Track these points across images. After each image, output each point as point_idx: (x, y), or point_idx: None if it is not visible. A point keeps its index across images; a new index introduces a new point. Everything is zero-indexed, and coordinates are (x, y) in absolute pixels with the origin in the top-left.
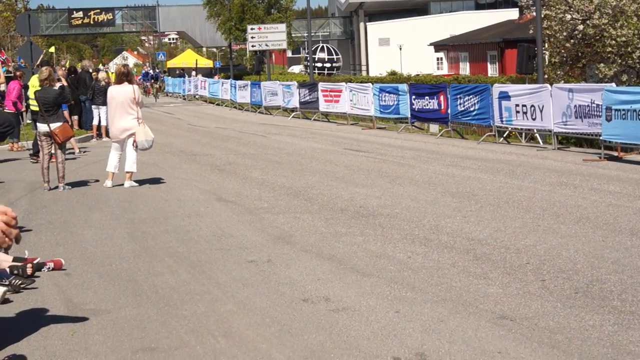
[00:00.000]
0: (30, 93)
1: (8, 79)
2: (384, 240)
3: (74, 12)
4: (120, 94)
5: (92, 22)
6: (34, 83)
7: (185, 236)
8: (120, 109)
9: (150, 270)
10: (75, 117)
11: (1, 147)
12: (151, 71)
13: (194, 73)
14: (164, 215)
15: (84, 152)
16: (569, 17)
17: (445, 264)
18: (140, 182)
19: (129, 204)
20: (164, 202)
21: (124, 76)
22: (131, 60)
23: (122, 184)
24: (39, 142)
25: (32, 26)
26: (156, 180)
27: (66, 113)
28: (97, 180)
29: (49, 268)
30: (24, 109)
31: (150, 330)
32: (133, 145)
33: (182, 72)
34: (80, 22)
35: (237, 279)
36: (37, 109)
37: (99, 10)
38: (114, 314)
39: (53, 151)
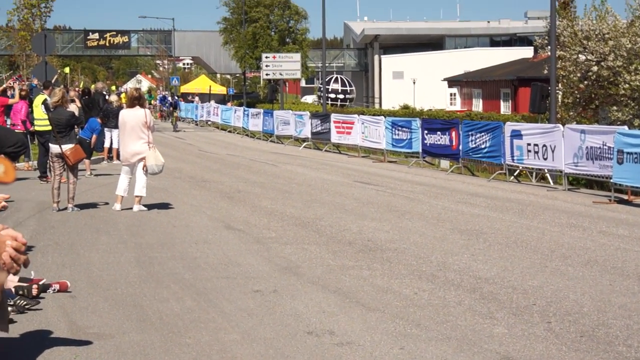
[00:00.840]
0: (36, 113)
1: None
2: (391, 275)
3: (90, 33)
4: (132, 117)
5: (107, 44)
6: (37, 103)
7: (192, 263)
8: (132, 132)
9: (156, 296)
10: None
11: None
12: (170, 98)
13: (204, 102)
14: (171, 241)
15: (95, 174)
16: (583, 58)
17: (451, 301)
18: (149, 207)
19: (137, 228)
20: (172, 228)
21: (135, 100)
22: (145, 83)
23: (131, 208)
24: (50, 163)
25: (47, 46)
26: (165, 206)
27: (94, 138)
28: (107, 203)
29: (55, 290)
30: (32, 128)
31: (153, 357)
32: (143, 169)
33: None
34: (95, 43)
35: (242, 308)
36: (41, 129)
37: (114, 33)
38: (118, 339)
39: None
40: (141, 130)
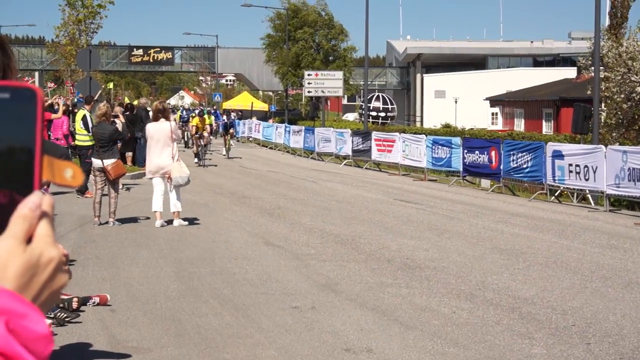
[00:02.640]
0: (77, 128)
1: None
2: (430, 294)
3: (134, 49)
4: (157, 131)
5: (151, 60)
6: (78, 118)
7: (230, 278)
8: (157, 145)
9: (195, 310)
10: (129, 154)
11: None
12: (224, 117)
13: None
14: (211, 256)
15: (127, 188)
16: (628, 79)
17: (489, 321)
18: (190, 222)
19: (177, 243)
20: (212, 243)
21: (160, 113)
22: (187, 99)
23: (172, 223)
24: (92, 177)
25: (92, 62)
26: (205, 221)
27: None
28: (148, 218)
29: (94, 303)
30: (73, 142)
31: None
32: (169, 182)
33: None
34: (139, 59)
35: (280, 324)
36: (80, 144)
37: (159, 49)
38: (156, 353)
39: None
40: (166, 143)
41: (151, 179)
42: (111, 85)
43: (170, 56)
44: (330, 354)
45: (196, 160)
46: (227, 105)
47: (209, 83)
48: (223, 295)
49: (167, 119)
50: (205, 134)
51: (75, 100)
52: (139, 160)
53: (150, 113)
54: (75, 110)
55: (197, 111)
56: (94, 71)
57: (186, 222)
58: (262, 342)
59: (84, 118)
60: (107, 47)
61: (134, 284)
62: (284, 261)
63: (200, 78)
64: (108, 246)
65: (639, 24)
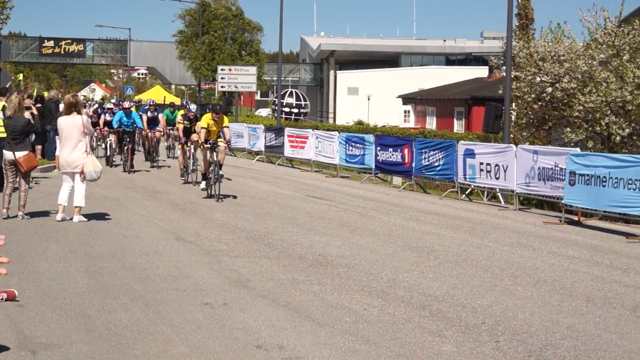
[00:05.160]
0: None
1: None
2: (341, 291)
3: (45, 40)
4: (68, 125)
5: (62, 52)
6: None
7: (141, 274)
8: (69, 140)
9: (105, 306)
10: (39, 147)
11: None
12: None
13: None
14: (121, 251)
15: (36, 182)
16: (538, 79)
17: (400, 318)
18: (100, 217)
19: (87, 238)
20: (123, 238)
21: (72, 106)
22: (99, 92)
23: (72, 218)
24: (3, 170)
25: (2, 53)
26: (116, 216)
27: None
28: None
29: (2, 299)
30: None
31: None
32: (81, 177)
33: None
34: (50, 51)
35: (191, 320)
36: None
37: (70, 41)
38: (65, 349)
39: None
40: (78, 137)
41: (62, 173)
42: (21, 76)
43: (82, 48)
44: (241, 351)
45: (183, 177)
46: (139, 98)
47: (121, 76)
48: (134, 291)
49: (79, 112)
50: (222, 143)
51: None
52: (49, 154)
53: (61, 106)
54: None
55: (192, 107)
56: (4, 62)
57: (86, 219)
58: (173, 339)
59: (3, 109)
60: (18, 38)
61: (43, 279)
62: (195, 257)
63: (112, 71)
64: (16, 240)
65: (550, 25)
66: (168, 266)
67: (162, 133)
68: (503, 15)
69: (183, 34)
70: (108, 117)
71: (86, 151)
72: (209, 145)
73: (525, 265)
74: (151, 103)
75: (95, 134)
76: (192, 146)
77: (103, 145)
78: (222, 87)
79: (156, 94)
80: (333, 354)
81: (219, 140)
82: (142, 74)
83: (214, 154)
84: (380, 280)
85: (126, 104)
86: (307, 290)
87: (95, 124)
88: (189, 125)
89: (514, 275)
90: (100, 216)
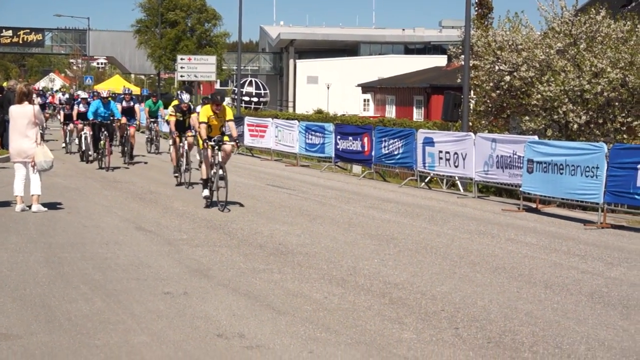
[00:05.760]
0: None
1: None
2: (302, 279)
3: (3, 30)
4: (19, 114)
5: (21, 42)
6: None
7: (102, 264)
8: (20, 129)
9: (65, 296)
10: None
11: None
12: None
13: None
14: (82, 241)
15: None
16: (496, 68)
17: (361, 306)
18: (60, 207)
19: (47, 228)
20: (83, 228)
21: (24, 96)
22: (58, 82)
23: (30, 207)
24: None
25: None
26: (76, 206)
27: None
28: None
29: None
30: None
31: (61, 358)
32: (33, 168)
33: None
34: (9, 40)
35: (152, 310)
36: None
37: (28, 30)
38: (25, 340)
39: None
40: (29, 127)
41: (13, 162)
42: None
43: (41, 38)
44: (202, 339)
45: (177, 175)
46: (98, 88)
47: (80, 66)
48: (94, 280)
49: (31, 102)
50: (229, 143)
51: None
52: (7, 144)
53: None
54: None
55: (184, 97)
56: None
57: (45, 209)
58: (133, 328)
59: None
60: None
61: (3, 270)
62: (155, 246)
63: (71, 60)
64: None
65: (507, 14)
66: (128, 256)
67: (137, 128)
68: (462, 4)
69: (142, 23)
70: (82, 108)
71: (36, 141)
72: (212, 143)
73: (484, 252)
74: (127, 92)
75: (70, 127)
76: (185, 142)
77: (77, 140)
78: (181, 76)
79: (115, 84)
80: (293, 342)
81: (224, 137)
82: (102, 63)
83: (218, 154)
84: (340, 268)
85: (104, 94)
86: (268, 279)
87: (68, 117)
88: (182, 119)
89: (473, 262)
90: (61, 206)
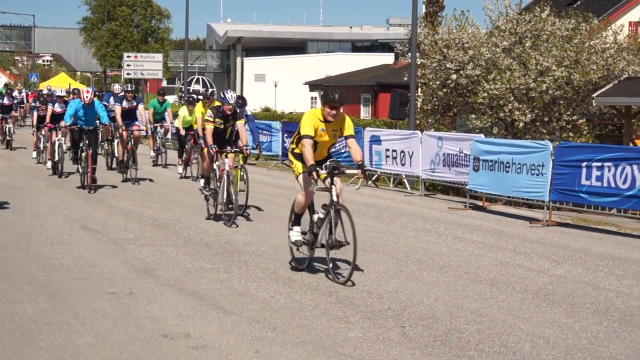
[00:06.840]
0: None
1: None
2: (248, 278)
3: None
4: None
5: None
6: None
7: (46, 264)
8: None
9: (9, 297)
10: None
11: None
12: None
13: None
14: (26, 241)
15: None
16: (443, 66)
17: (307, 305)
18: (4, 206)
19: None
20: (27, 228)
21: None
22: (2, 79)
23: None
24: None
25: None
26: (21, 205)
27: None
28: None
29: None
30: None
31: None
32: None
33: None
34: None
35: (97, 310)
36: None
37: None
38: None
39: None
40: None
41: None
42: None
43: None
44: (148, 340)
45: (211, 208)
46: (44, 86)
47: (26, 63)
48: (38, 281)
49: None
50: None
51: None
52: None
53: None
54: None
55: (229, 95)
56: None
57: None
58: (78, 329)
59: None
60: None
61: None
62: (101, 246)
63: (17, 58)
64: None
65: (454, 13)
66: (73, 255)
67: (142, 131)
68: (409, 2)
69: (88, 21)
70: (58, 109)
71: None
72: (324, 173)
73: (430, 250)
74: (127, 89)
75: (44, 132)
76: (225, 163)
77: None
78: (128, 74)
79: (61, 81)
80: (240, 341)
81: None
82: (47, 60)
83: (333, 188)
84: (286, 267)
85: (88, 91)
86: (214, 278)
87: (41, 118)
88: (222, 127)
89: (420, 260)
90: (5, 205)
